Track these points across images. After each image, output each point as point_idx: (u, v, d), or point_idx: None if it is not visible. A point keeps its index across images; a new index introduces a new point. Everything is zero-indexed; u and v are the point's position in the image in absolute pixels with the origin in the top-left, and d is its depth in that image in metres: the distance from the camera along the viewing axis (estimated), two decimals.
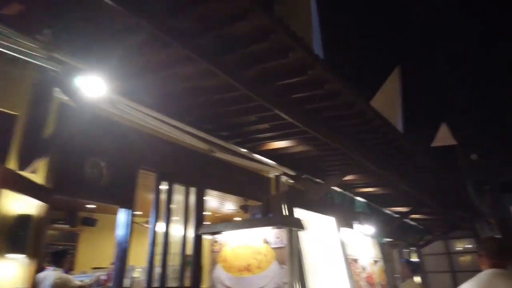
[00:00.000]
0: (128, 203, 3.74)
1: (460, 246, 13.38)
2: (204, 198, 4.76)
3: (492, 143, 14.95)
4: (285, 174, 6.15)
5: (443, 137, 11.51)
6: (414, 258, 11.17)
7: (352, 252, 3.64)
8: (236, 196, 5.49)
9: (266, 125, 4.96)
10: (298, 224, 3.05)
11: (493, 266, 2.50)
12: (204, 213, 4.73)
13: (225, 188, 5.10)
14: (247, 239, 3.10)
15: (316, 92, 4.23)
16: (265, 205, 4.05)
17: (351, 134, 5.52)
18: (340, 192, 7.45)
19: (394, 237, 9.63)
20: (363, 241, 4.04)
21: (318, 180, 6.66)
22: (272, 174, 6.02)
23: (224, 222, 3.84)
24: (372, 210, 8.37)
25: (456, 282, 12.50)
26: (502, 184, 15.87)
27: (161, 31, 2.86)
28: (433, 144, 11.48)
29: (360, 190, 7.99)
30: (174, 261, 4.21)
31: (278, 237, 2.97)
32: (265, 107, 4.19)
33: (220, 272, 3.04)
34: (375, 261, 3.93)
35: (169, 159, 4.41)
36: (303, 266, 2.83)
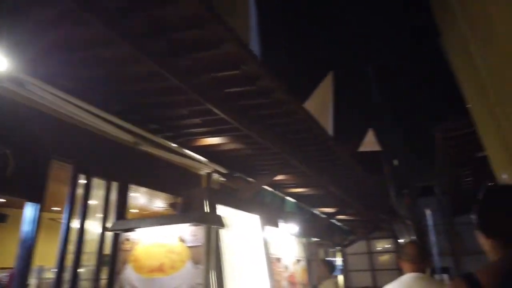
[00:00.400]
0: (36, 197, 3.32)
1: (380, 246, 14.11)
2: (128, 194, 4.41)
3: (413, 151, 15.98)
4: (217, 171, 5.97)
5: (369, 143, 12.09)
6: (339, 258, 11.55)
7: (276, 251, 3.53)
8: (165, 193, 5.18)
9: (198, 120, 4.75)
10: (217, 222, 2.85)
11: (413, 270, 2.68)
12: (129, 210, 4.39)
13: (152, 184, 4.78)
14: (161, 237, 2.83)
15: (249, 88, 4.11)
16: (185, 201, 3.79)
17: (283, 134, 5.49)
18: (271, 192, 7.43)
19: (321, 236, 9.85)
20: (287, 240, 3.96)
21: (250, 178, 6.56)
22: (203, 171, 5.80)
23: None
24: (301, 210, 8.47)
25: (376, 279, 13.14)
26: (420, 189, 17.04)
27: (80, 6, 2.55)
28: (360, 149, 12.00)
29: (290, 190, 8.04)
30: (90, 261, 3.83)
31: (194, 235, 2.74)
32: (196, 101, 3.99)
33: (129, 273, 2.74)
34: (298, 261, 3.86)
35: (89, 150, 4.02)
36: (221, 265, 2.64)
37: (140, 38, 2.97)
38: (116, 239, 3.52)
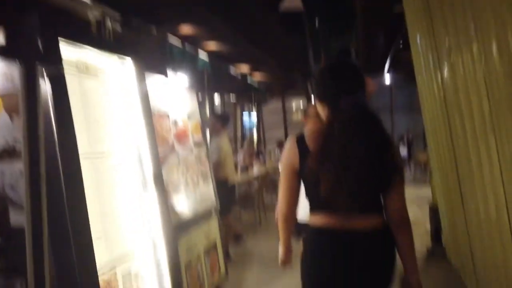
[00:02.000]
0: None
1: (293, 103, 14.40)
2: None
3: (334, 13, 15.30)
4: (110, 17, 4.85)
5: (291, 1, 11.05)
6: (254, 115, 11.58)
7: (162, 105, 2.96)
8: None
9: None
10: (51, 62, 2.05)
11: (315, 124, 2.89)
12: None
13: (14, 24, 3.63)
14: None
15: None
16: (10, 32, 2.82)
17: None
18: (181, 48, 6.52)
19: (237, 95, 9.53)
20: (178, 93, 3.38)
21: (151, 27, 5.55)
22: (91, 15, 4.64)
23: None
24: (214, 68, 7.80)
25: (287, 135, 13.74)
26: (338, 51, 16.97)
27: None
28: (281, 8, 11.00)
29: (202, 46, 7.21)
30: None
31: (8, 78, 1.98)
32: None
33: None
34: (190, 116, 3.36)
35: None
36: (66, 118, 1.98)
37: None
38: None
